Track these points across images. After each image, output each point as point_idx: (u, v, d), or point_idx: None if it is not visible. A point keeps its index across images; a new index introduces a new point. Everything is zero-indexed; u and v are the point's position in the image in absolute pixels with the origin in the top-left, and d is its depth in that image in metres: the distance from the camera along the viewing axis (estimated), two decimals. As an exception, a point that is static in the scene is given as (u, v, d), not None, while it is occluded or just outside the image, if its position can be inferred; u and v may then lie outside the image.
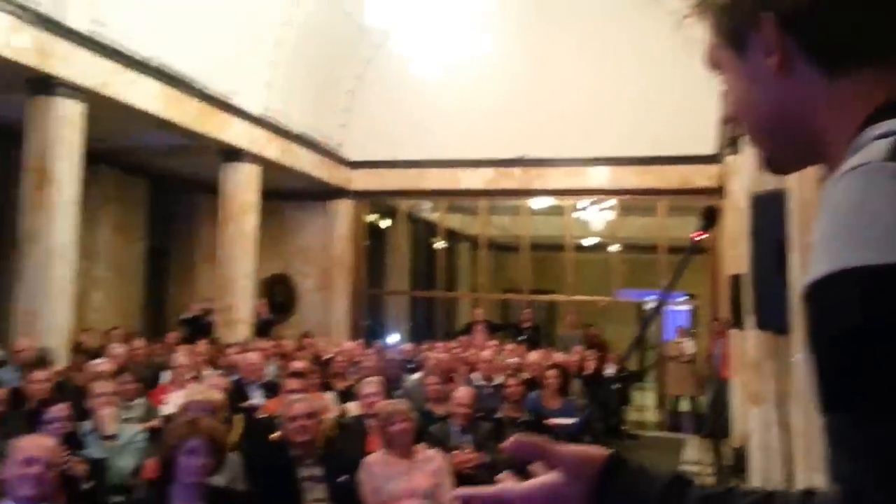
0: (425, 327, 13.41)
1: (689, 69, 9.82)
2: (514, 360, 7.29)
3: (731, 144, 7.47)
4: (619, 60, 10.45)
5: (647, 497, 0.68)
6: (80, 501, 2.89)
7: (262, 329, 9.88)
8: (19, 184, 7.13)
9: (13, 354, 6.56)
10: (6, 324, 7.65)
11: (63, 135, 6.94)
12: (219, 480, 2.93)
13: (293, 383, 4.45)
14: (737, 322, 5.39)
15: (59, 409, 3.32)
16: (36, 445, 2.66)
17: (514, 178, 11.41)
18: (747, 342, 5.71)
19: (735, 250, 6.69)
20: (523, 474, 0.74)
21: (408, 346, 9.37)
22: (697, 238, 0.99)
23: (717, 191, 9.50)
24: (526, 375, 6.57)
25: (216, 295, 9.65)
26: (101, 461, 3.44)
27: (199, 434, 2.71)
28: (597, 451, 0.72)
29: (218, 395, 3.82)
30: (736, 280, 5.26)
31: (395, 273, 13.85)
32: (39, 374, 4.72)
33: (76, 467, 3.04)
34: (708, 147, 9.56)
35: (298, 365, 5.24)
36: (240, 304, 9.55)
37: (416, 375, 6.70)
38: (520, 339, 10.27)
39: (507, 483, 0.74)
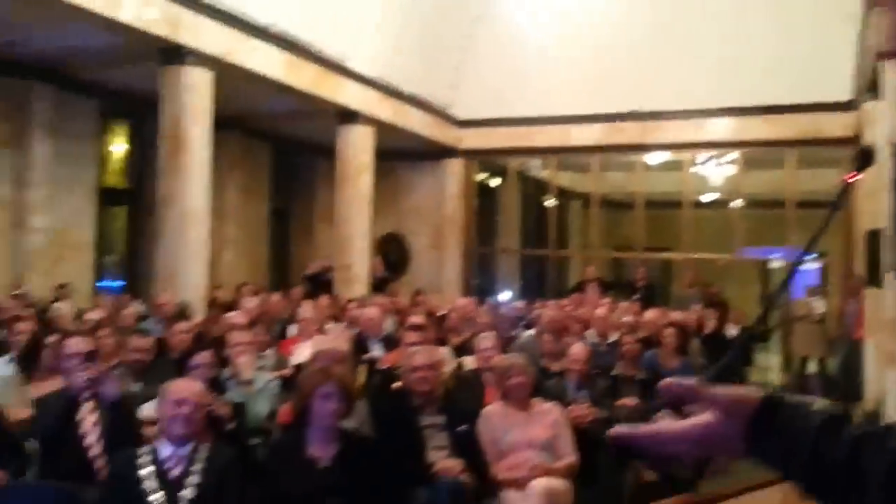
0: (536, 286, 13.40)
1: (822, 9, 9.14)
2: (629, 318, 7.18)
3: (870, 90, 6.92)
4: (747, 4, 9.87)
5: (802, 436, 0.69)
6: (224, 440, 3.12)
7: (378, 286, 10.21)
8: (156, 151, 7.64)
9: (156, 308, 7.11)
10: (148, 283, 8.30)
11: (194, 102, 7.34)
12: (349, 424, 3.10)
13: (412, 336, 4.59)
14: (873, 280, 5.09)
15: (204, 356, 3.60)
16: (185, 388, 2.90)
17: (627, 133, 11.09)
18: (885, 301, 5.38)
19: (872, 204, 6.26)
20: (679, 415, 0.76)
21: (520, 304, 9.40)
22: (851, 180, 0.96)
23: (852, 140, 8.88)
24: (642, 334, 6.47)
25: (334, 254, 10.03)
26: (240, 405, 3.71)
27: (331, 380, 2.87)
28: (752, 391, 0.73)
29: (344, 346, 4.01)
30: (873, 236, 4.95)
31: (506, 231, 13.86)
32: (181, 326, 5.10)
33: (221, 409, 3.29)
34: (843, 93, 8.92)
35: (416, 319, 5.40)
36: (357, 263, 9.88)
37: (530, 332, 6.74)
38: (634, 297, 10.08)
39: (663, 422, 0.76)
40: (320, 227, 12.09)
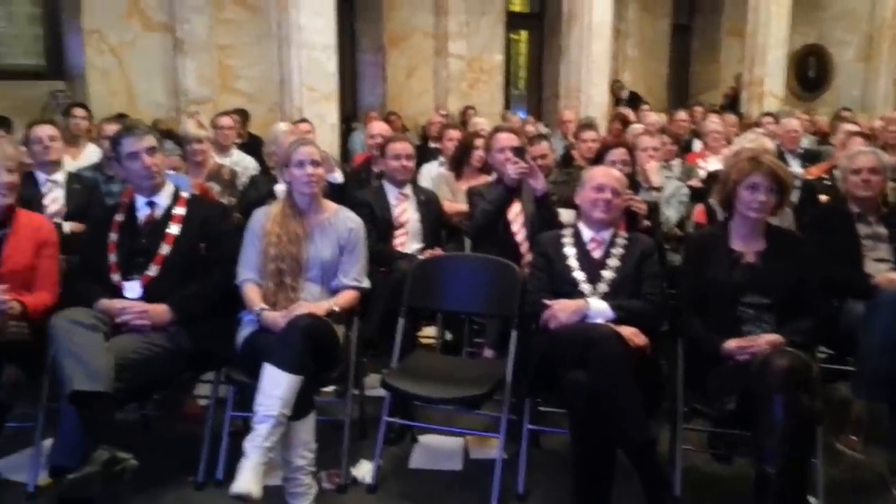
0: None
1: None
2: None
3: None
4: None
5: None
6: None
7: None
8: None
9: (560, 124, 7.36)
10: (552, 105, 8.61)
11: None
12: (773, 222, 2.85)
13: (857, 141, 3.99)
14: None
15: (619, 153, 3.59)
16: (605, 174, 2.92)
17: None
18: None
19: None
20: None
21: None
22: None
23: None
24: None
25: (743, 67, 9.17)
26: (653, 204, 3.67)
27: (761, 169, 2.62)
28: None
29: (770, 144, 3.65)
30: None
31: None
32: (588, 134, 5.19)
33: (637, 205, 3.29)
34: None
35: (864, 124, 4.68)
36: (769, 77, 8.91)
37: None
38: None
39: None
40: (727, 41, 11.09)
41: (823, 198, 4.08)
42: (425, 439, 3.12)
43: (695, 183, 4.79)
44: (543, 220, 3.34)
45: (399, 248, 3.63)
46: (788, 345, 2.49)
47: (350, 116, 8.81)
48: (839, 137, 4.80)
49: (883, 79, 10.45)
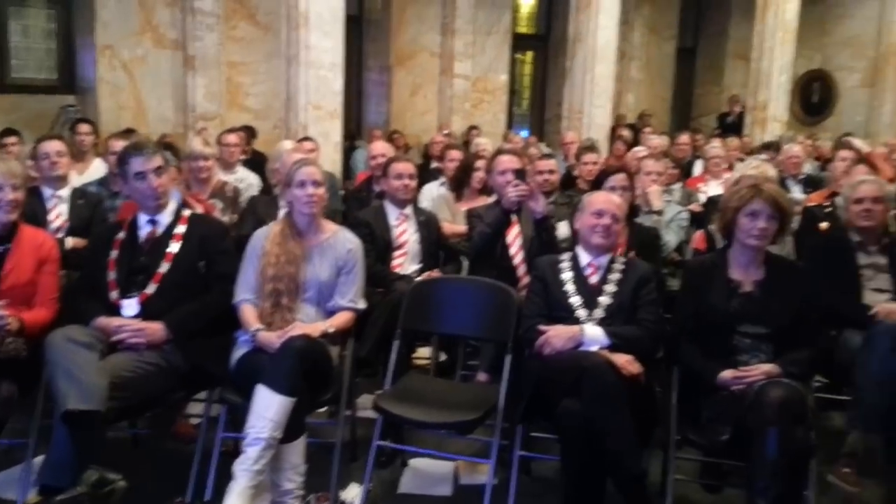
0: None
1: None
2: None
3: None
4: None
5: None
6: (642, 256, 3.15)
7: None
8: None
9: (562, 146, 7.38)
10: (555, 126, 8.64)
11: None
12: (773, 250, 2.85)
13: (860, 170, 3.99)
14: None
15: (619, 178, 3.60)
16: (604, 200, 2.93)
17: None
18: None
19: None
20: None
21: None
22: None
23: None
24: None
25: (747, 92, 9.20)
26: (653, 230, 3.68)
27: (762, 196, 2.63)
28: None
29: (772, 171, 3.66)
30: None
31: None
32: (590, 157, 5.20)
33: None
34: None
35: (865, 148, 4.70)
36: (773, 101, 8.94)
37: None
38: None
39: None
40: (732, 64, 11.14)
41: (823, 225, 4.07)
42: (416, 463, 3.11)
43: (695, 207, 4.80)
44: (542, 243, 3.34)
45: (397, 269, 3.63)
46: (784, 376, 2.49)
47: (354, 134, 8.86)
48: (838, 164, 4.81)
49: (887, 105, 10.46)
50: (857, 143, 5.43)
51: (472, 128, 8.79)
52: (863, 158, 4.68)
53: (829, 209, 4.15)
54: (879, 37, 10.41)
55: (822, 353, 2.79)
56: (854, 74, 10.91)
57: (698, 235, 3.73)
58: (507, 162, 3.72)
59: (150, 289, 2.72)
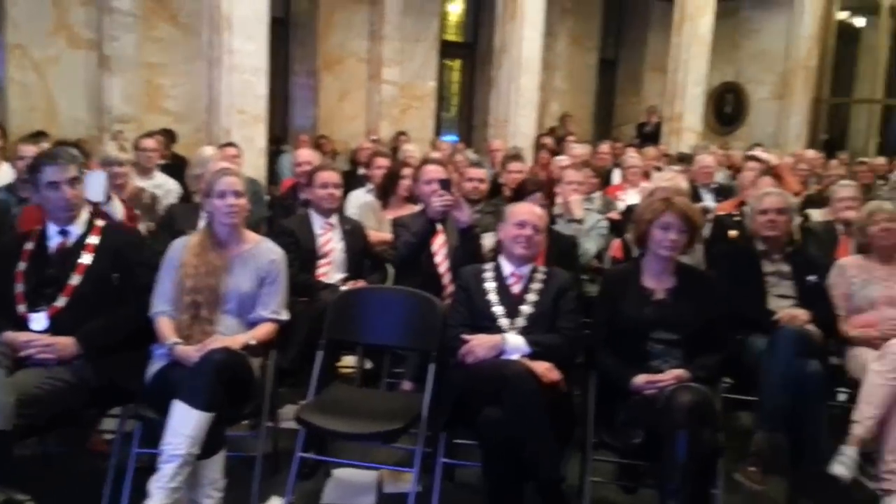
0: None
1: None
2: None
3: None
4: None
5: None
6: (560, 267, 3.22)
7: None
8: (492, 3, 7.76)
9: (489, 153, 7.48)
10: (481, 133, 8.75)
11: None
12: (684, 260, 2.97)
13: (766, 182, 4.20)
14: None
15: (539, 198, 3.66)
16: (526, 211, 2.99)
17: None
18: None
19: None
20: None
21: (880, 160, 8.16)
22: None
23: None
24: None
25: (664, 103, 9.54)
26: (572, 238, 3.77)
27: (673, 210, 2.74)
28: None
29: (684, 184, 3.81)
30: None
31: (865, 79, 11.91)
32: (515, 165, 5.29)
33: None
34: None
35: (773, 160, 4.96)
36: (688, 112, 9.30)
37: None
38: None
39: None
40: (650, 76, 11.53)
41: (732, 233, 4.26)
42: (339, 473, 3.10)
43: (614, 215, 4.94)
44: (466, 253, 3.38)
45: (322, 278, 3.61)
46: (693, 380, 2.60)
47: (280, 138, 8.74)
48: (747, 174, 5.05)
49: (795, 117, 11.02)
50: (764, 155, 5.70)
51: (401, 133, 8.79)
52: (769, 170, 4.92)
53: (739, 218, 4.35)
54: (788, 51, 10.97)
55: (730, 356, 2.93)
56: (764, 87, 11.45)
57: (616, 244, 3.85)
58: (433, 171, 3.76)
59: (61, 302, 2.62)
